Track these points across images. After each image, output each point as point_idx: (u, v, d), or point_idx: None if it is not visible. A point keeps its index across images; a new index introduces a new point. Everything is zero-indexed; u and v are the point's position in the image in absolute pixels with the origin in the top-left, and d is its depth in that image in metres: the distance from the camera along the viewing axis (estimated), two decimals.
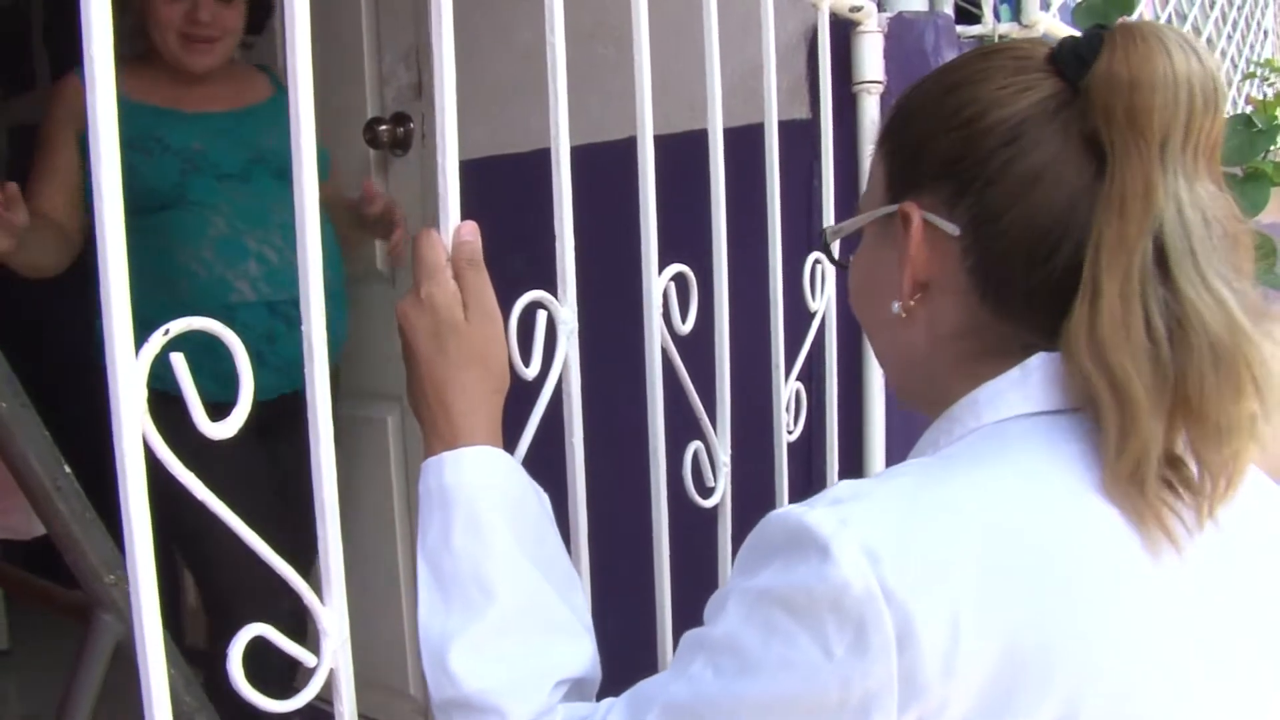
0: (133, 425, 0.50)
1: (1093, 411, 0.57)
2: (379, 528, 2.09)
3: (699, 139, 1.03)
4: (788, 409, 1.09)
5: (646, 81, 0.87)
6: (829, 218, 1.16)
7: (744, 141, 1.10)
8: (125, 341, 0.50)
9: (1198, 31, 2.48)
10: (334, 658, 0.62)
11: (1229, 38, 2.75)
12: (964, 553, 0.53)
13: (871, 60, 1.28)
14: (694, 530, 0.96)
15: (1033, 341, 0.61)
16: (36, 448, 1.12)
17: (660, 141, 1.02)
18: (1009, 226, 0.60)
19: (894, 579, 0.51)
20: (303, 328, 0.61)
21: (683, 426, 0.94)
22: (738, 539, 0.97)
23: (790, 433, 1.09)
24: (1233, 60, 2.77)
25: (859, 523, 0.53)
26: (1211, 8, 2.61)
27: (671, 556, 0.92)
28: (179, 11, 1.59)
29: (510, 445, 0.72)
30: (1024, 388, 0.60)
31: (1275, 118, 1.37)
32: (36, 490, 1.13)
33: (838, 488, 0.57)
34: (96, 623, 1.20)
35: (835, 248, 0.77)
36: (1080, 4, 1.36)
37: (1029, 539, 0.54)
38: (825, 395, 1.19)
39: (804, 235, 1.12)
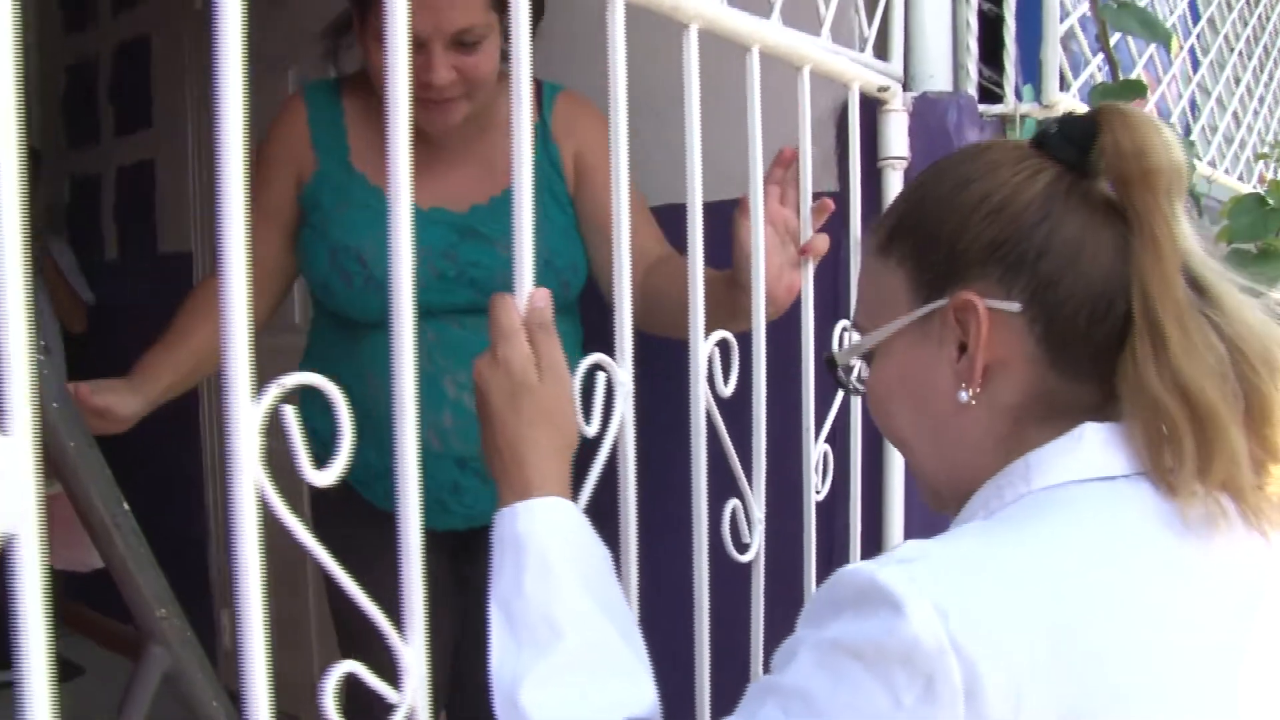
0: (247, 472, 0.52)
1: (1154, 454, 0.62)
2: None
3: (722, 209, 1.08)
4: (816, 469, 1.12)
5: (696, 150, 0.92)
6: (854, 285, 1.21)
7: (721, 213, 1.12)
8: (244, 387, 0.51)
9: (1223, 106, 2.52)
10: (414, 695, 0.64)
11: (1255, 113, 2.79)
12: (1028, 612, 0.57)
13: (897, 137, 1.34)
14: (723, 584, 1.00)
15: (1094, 402, 0.66)
16: (99, 486, 1.19)
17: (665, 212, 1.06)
18: (1069, 291, 0.65)
19: (962, 635, 0.55)
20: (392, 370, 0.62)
21: (719, 484, 0.97)
22: (766, 593, 1.01)
23: (818, 493, 1.12)
24: (1260, 135, 2.81)
25: (929, 581, 0.57)
26: (1237, 84, 2.66)
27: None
28: None
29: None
30: (1076, 454, 0.64)
31: None
32: (97, 526, 1.20)
33: (904, 548, 0.61)
34: (147, 654, 1.26)
35: (857, 368, 0.78)
36: (1096, 87, 1.42)
37: (1090, 600, 0.58)
38: (850, 456, 1.23)
39: (831, 301, 1.17)
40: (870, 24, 1.29)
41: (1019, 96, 1.45)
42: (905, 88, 1.37)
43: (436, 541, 1.47)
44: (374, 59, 1.23)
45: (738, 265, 1.08)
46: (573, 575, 0.71)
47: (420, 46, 1.20)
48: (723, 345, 0.95)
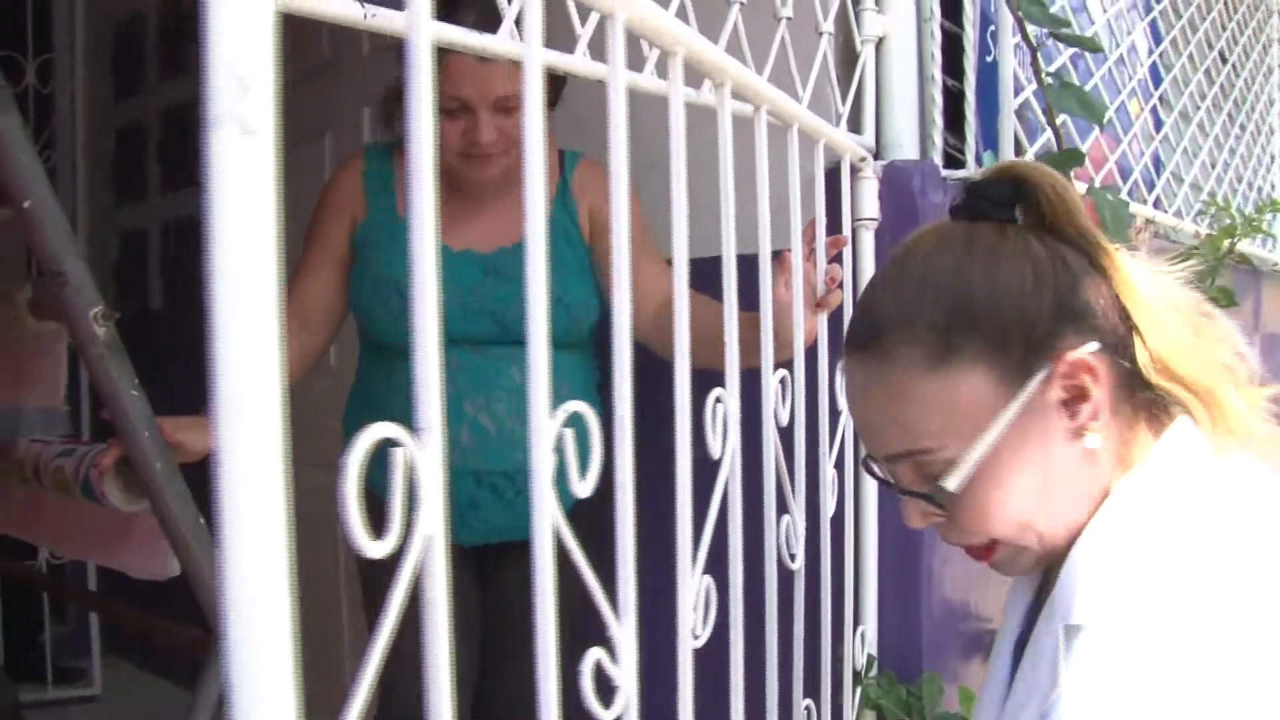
0: (546, 485, 0.53)
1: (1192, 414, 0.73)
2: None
3: (712, 265, 1.24)
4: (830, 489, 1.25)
5: (765, 214, 1.04)
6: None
7: (750, 267, 1.30)
8: (543, 407, 0.53)
9: (1190, 158, 2.68)
10: (626, 678, 0.66)
11: (1226, 164, 2.95)
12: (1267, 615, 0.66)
13: (869, 201, 1.52)
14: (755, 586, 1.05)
15: (1159, 399, 0.75)
16: (180, 504, 1.38)
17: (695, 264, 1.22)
18: (1106, 312, 0.74)
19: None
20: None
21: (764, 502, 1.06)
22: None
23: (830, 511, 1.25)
24: (1231, 184, 2.97)
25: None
26: (1205, 136, 2.82)
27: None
28: (456, 130, 1.43)
29: (702, 507, 0.82)
30: (1189, 446, 0.74)
31: (1219, 249, 1.59)
32: (178, 539, 1.39)
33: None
34: (216, 655, 1.45)
35: (955, 480, 0.74)
36: (1042, 156, 1.62)
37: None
38: (844, 476, 1.36)
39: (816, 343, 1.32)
40: (845, 101, 1.49)
41: (979, 162, 1.64)
42: (876, 156, 1.55)
43: (455, 555, 1.60)
44: None
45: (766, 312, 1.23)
46: None
47: (469, 110, 1.42)
48: (783, 382, 1.08)
